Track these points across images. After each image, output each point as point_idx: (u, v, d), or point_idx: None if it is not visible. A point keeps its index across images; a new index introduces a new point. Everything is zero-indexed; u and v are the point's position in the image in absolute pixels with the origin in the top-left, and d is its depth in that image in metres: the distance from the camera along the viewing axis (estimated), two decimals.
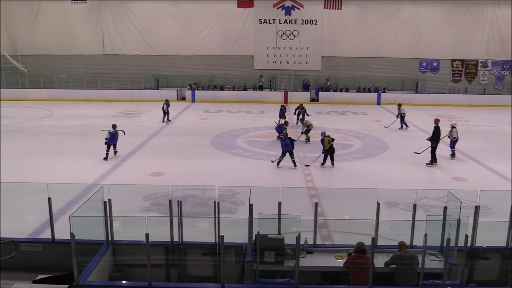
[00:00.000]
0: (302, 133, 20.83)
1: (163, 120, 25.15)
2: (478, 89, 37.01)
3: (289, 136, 16.72)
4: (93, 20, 36.49)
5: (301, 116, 24.55)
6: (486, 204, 9.57)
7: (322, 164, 16.61)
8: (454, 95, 36.00)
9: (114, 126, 17.97)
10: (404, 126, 24.37)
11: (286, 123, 20.84)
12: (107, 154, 17.27)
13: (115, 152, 17.79)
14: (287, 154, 16.39)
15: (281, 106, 25.44)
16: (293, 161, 16.43)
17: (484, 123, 26.43)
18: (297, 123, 24.59)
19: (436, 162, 17.28)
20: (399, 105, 24.87)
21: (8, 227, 8.99)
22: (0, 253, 7.29)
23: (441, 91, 36.59)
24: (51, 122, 25.24)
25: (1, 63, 35.34)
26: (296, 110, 25.04)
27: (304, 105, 25.28)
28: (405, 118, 24.44)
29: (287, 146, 16.26)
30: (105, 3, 36.20)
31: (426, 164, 17.21)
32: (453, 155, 18.07)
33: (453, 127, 18.12)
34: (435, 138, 17.41)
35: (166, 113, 25.24)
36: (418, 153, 18.00)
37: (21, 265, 7.94)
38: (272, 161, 16.84)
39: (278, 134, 20.34)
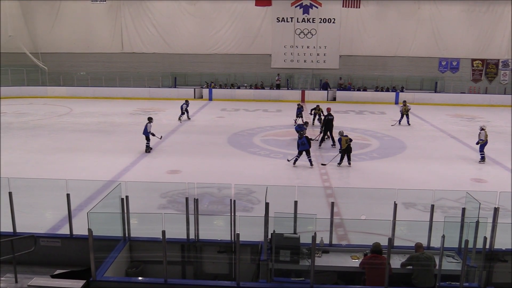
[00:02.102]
0: (320, 132, 20.75)
1: (179, 119, 25.30)
2: (499, 89, 36.42)
3: (305, 135, 16.67)
4: (112, 19, 36.87)
5: (317, 117, 24.31)
6: (506, 206, 9.42)
7: (339, 163, 16.54)
8: (474, 95, 35.44)
9: (149, 119, 18.58)
10: (398, 122, 25.05)
11: (306, 123, 20.65)
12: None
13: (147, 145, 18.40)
14: (304, 153, 16.34)
15: (298, 105, 25.34)
16: (310, 160, 16.38)
17: (505, 124, 25.99)
18: (313, 124, 24.42)
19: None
20: (404, 102, 25.46)
21: (28, 222, 9.12)
22: (20, 247, 7.42)
23: (461, 90, 36.08)
24: (71, 119, 25.57)
25: (22, 60, 35.88)
26: (312, 110, 24.96)
27: (320, 106, 25.13)
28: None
29: (304, 145, 16.21)
30: (124, 2, 36.53)
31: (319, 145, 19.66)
32: (481, 158, 17.48)
33: (481, 129, 17.66)
34: (328, 124, 20.01)
35: (183, 112, 25.36)
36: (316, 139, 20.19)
37: (40, 260, 8.07)
38: (288, 160, 16.81)
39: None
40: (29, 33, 36.80)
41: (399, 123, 25.01)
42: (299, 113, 24.27)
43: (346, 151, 16.46)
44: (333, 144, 19.63)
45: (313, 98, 34.14)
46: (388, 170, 16.34)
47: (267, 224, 7.27)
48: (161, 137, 19.43)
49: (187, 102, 25.65)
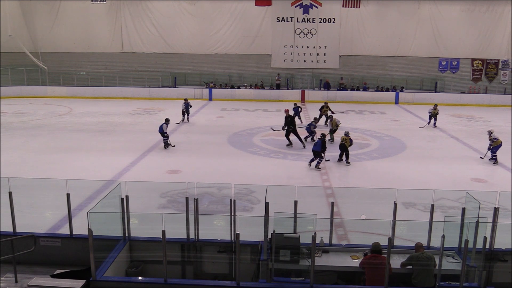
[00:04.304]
0: (329, 132, 20.52)
1: (181, 121, 24.83)
2: (499, 89, 36.44)
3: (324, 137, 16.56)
4: (112, 19, 36.86)
5: (329, 114, 23.71)
6: (506, 206, 9.43)
7: (339, 159, 16.78)
8: (474, 95, 35.46)
9: (166, 120, 18.96)
10: (427, 124, 24.62)
11: (315, 119, 20.55)
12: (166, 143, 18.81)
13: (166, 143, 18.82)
14: (317, 153, 16.24)
15: (294, 105, 24.79)
16: (318, 162, 16.23)
17: (505, 124, 25.99)
18: (326, 123, 23.53)
19: (291, 144, 19.38)
20: (435, 105, 24.74)
21: (28, 222, 9.12)
22: (19, 247, 7.42)
23: (461, 90, 36.09)
24: (70, 119, 25.56)
25: (22, 60, 35.88)
26: (321, 109, 24.27)
27: (328, 104, 24.63)
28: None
29: (316, 146, 16.10)
30: (124, 2, 36.52)
31: (287, 145, 19.27)
32: (493, 160, 17.23)
33: (490, 133, 17.40)
34: (286, 124, 19.53)
35: (184, 112, 24.94)
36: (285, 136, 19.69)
37: (39, 260, 8.06)
38: (310, 164, 16.49)
39: (307, 134, 20.23)
40: (29, 33, 36.78)
41: (429, 124, 24.71)
42: (296, 114, 23.93)
43: (343, 149, 16.55)
44: (289, 144, 19.42)
45: (313, 98, 34.15)
46: (388, 170, 16.34)
47: (267, 224, 7.26)
48: (174, 145, 19.02)
49: (186, 101, 25.11)
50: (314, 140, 18.77)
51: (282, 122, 24.88)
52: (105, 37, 37.20)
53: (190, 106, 25.28)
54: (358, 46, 36.61)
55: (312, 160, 16.28)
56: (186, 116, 25.13)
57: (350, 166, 16.54)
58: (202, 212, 8.27)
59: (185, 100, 25.37)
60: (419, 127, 24.57)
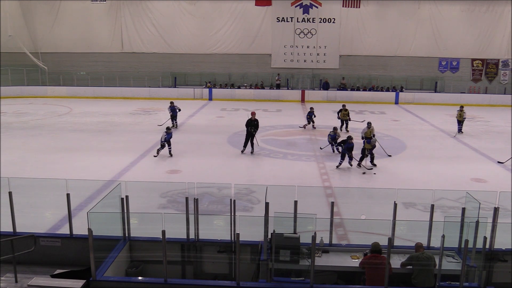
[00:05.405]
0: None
1: (173, 127, 22.40)
2: (499, 89, 36.43)
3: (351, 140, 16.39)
4: (112, 19, 36.86)
5: (348, 118, 22.27)
6: (506, 206, 9.43)
7: (360, 163, 16.46)
8: (474, 95, 35.42)
9: (168, 129, 17.89)
10: (458, 131, 22.83)
11: (335, 129, 18.58)
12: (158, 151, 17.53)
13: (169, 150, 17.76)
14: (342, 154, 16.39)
15: (311, 108, 23.57)
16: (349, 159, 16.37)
17: (505, 124, 26.00)
18: (346, 130, 22.32)
19: (244, 149, 18.35)
20: (461, 107, 23.15)
21: (28, 222, 9.12)
22: (19, 247, 7.42)
23: (461, 90, 36.08)
24: (70, 119, 25.55)
25: (22, 60, 35.87)
26: (338, 113, 22.74)
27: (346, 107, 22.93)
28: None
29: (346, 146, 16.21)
30: (124, 2, 36.51)
31: (242, 152, 18.30)
32: None
33: None
34: (251, 126, 18.36)
35: (171, 116, 23.11)
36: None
37: (39, 260, 8.06)
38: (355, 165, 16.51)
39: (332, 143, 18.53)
40: (29, 33, 36.76)
41: (460, 131, 22.80)
42: (310, 118, 22.98)
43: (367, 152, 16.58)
44: (245, 150, 18.41)
45: (313, 98, 34.16)
46: (388, 170, 16.33)
47: (267, 224, 7.26)
48: (156, 155, 17.70)
49: (171, 104, 23.02)
50: (337, 151, 18.04)
51: (281, 122, 25.17)
52: (105, 37, 37.19)
53: (179, 110, 23.27)
54: (358, 46, 36.60)
55: (350, 161, 16.34)
56: (174, 121, 23.24)
57: (350, 166, 16.54)
58: (202, 212, 8.27)
59: (171, 103, 23.27)
60: (453, 136, 22.39)
